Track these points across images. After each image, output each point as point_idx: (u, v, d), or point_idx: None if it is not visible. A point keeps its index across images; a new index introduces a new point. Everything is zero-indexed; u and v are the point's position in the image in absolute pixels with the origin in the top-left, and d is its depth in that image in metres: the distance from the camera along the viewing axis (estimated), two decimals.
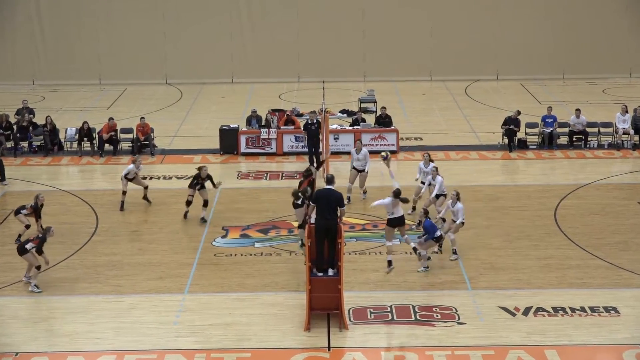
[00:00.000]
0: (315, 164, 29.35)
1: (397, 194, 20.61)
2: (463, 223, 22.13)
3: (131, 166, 26.26)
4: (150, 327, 18.79)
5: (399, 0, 45.44)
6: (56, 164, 31.68)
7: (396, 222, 20.88)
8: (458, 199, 22.00)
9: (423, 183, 24.86)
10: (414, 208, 25.21)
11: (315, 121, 30.15)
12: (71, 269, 21.91)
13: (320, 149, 29.44)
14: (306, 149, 30.46)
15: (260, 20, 45.55)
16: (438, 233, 21.29)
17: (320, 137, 29.81)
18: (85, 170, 31.10)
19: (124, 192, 26.16)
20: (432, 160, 24.84)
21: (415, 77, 45.55)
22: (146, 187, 26.63)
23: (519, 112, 32.81)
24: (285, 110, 34.40)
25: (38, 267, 20.61)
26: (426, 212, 21.94)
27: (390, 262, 20.90)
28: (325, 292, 18.64)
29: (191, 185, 25.06)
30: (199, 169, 25.05)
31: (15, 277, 21.28)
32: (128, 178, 26.17)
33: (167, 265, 22.15)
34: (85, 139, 32.55)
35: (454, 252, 22.10)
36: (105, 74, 45.59)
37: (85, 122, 32.63)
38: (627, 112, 32.89)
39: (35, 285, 20.62)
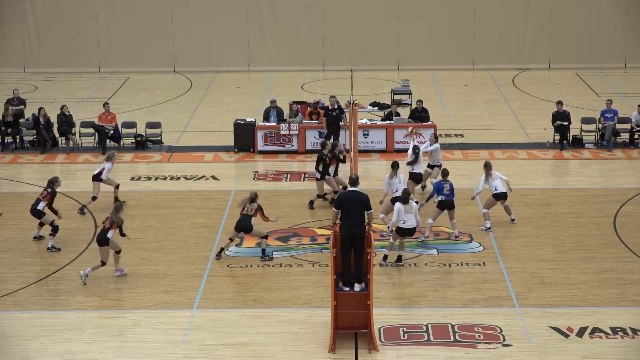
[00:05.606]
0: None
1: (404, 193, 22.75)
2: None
3: (109, 164, 26.75)
4: (156, 346, 18.88)
5: None
6: (50, 162, 31.86)
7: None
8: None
9: (430, 166, 27.07)
10: (423, 187, 27.37)
11: (336, 107, 30.28)
12: (66, 281, 22.04)
13: (344, 142, 29.48)
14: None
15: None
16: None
17: (342, 123, 30.12)
18: (82, 169, 31.20)
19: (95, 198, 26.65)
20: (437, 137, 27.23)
21: (456, 65, 45.53)
22: (117, 186, 27.07)
23: (560, 103, 32.69)
24: (308, 103, 34.42)
25: (118, 252, 22.04)
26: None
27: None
28: (352, 308, 18.67)
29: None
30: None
31: (3, 289, 21.43)
32: (101, 179, 26.65)
33: (174, 277, 22.25)
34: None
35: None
36: (105, 60, 45.81)
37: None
38: None
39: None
